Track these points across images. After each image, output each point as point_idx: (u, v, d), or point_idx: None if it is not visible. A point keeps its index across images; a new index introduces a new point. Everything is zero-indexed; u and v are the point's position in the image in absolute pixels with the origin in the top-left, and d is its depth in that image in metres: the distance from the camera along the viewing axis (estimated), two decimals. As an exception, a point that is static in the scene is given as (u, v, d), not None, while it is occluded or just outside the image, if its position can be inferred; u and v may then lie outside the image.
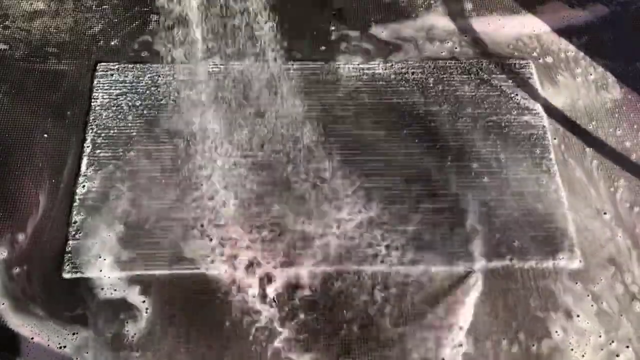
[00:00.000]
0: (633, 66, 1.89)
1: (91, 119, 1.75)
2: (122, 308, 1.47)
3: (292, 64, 1.86)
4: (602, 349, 1.43)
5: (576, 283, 1.52)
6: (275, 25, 1.75)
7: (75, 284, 1.50)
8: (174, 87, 1.80)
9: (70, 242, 1.55)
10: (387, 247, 1.56)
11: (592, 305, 1.48)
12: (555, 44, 1.94)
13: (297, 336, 1.44)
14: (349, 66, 1.87)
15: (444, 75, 1.85)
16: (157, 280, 1.51)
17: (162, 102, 1.78)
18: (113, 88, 1.80)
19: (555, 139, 1.75)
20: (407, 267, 1.54)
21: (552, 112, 1.80)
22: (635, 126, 1.78)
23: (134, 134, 1.72)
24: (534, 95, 1.82)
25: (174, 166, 1.67)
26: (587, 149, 1.73)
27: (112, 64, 1.85)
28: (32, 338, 1.43)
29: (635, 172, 1.69)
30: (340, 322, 1.46)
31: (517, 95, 1.82)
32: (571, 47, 1.93)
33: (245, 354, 1.42)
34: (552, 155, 1.71)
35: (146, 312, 1.47)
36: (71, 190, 1.63)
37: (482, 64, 1.88)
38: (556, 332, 1.45)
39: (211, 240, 1.55)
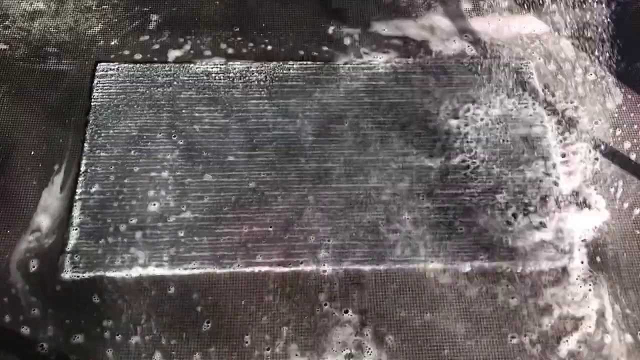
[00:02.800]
0: (633, 66, 1.89)
1: (91, 119, 1.75)
2: (121, 308, 1.48)
3: (292, 64, 1.86)
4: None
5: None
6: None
7: (74, 284, 1.51)
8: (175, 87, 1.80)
9: (70, 242, 1.55)
10: (387, 246, 1.57)
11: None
12: (555, 44, 1.93)
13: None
14: (349, 66, 1.87)
15: (444, 75, 1.85)
16: (157, 280, 1.52)
17: (161, 101, 1.78)
18: (113, 88, 1.80)
19: (555, 138, 1.75)
20: (406, 265, 1.54)
21: (553, 111, 1.80)
22: (635, 126, 1.78)
23: (134, 133, 1.72)
24: (534, 94, 1.82)
25: (174, 165, 1.67)
26: (587, 149, 1.73)
27: (112, 64, 1.85)
28: (32, 337, 1.44)
29: (634, 172, 1.69)
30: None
31: (517, 95, 1.82)
32: (571, 48, 1.93)
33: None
34: (552, 155, 1.71)
35: (146, 313, 1.47)
36: (71, 190, 1.63)
37: (482, 64, 1.88)
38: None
39: None
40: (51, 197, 1.62)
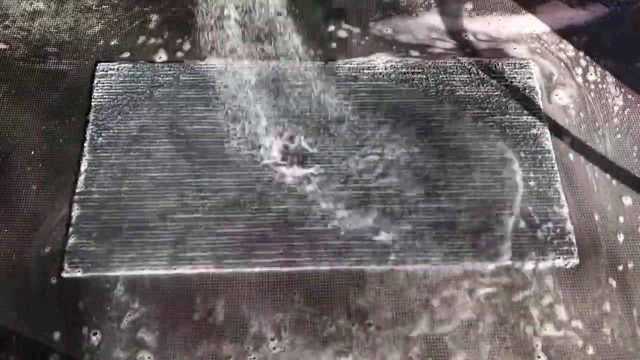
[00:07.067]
0: (633, 66, 1.89)
1: (91, 119, 1.75)
2: (121, 309, 1.48)
3: (293, 64, 1.86)
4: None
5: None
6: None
7: (74, 284, 1.50)
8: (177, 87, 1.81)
9: (70, 241, 1.55)
10: (388, 246, 1.57)
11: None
12: (555, 44, 1.94)
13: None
14: (348, 66, 1.87)
15: (444, 75, 1.85)
16: (155, 280, 1.52)
17: (161, 101, 1.78)
18: (113, 88, 1.80)
19: (555, 139, 1.75)
20: (407, 266, 1.54)
21: (552, 112, 1.80)
22: (634, 126, 1.78)
23: (134, 133, 1.72)
24: (534, 95, 1.82)
25: (174, 165, 1.67)
26: (588, 149, 1.73)
27: (112, 64, 1.85)
28: (32, 337, 1.44)
29: (634, 172, 1.70)
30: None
31: (517, 95, 1.82)
32: (571, 47, 1.93)
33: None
34: (552, 155, 1.71)
35: (141, 313, 1.47)
36: (71, 190, 1.63)
37: (482, 64, 1.88)
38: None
39: None
40: (51, 197, 1.62)
